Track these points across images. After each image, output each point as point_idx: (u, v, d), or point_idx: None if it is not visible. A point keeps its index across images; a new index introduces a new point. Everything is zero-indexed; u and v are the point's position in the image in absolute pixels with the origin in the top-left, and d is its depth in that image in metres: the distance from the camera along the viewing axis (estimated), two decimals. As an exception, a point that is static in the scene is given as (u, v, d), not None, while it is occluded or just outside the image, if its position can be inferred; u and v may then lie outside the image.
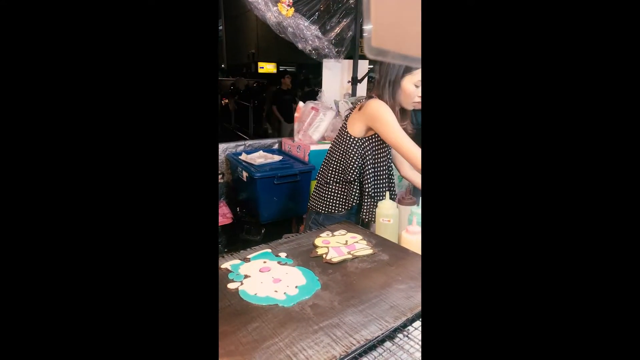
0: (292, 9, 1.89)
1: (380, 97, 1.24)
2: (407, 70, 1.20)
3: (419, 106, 1.25)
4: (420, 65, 1.20)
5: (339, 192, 1.34)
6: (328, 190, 1.36)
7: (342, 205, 1.34)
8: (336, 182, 1.34)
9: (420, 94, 1.23)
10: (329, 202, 1.35)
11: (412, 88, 1.22)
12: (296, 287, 0.75)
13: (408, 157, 1.20)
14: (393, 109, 1.22)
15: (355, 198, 1.34)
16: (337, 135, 1.36)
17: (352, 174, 1.31)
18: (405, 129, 1.23)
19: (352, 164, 1.30)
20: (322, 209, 1.35)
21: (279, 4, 1.91)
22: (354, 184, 1.33)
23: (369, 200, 1.32)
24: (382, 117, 1.20)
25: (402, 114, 1.29)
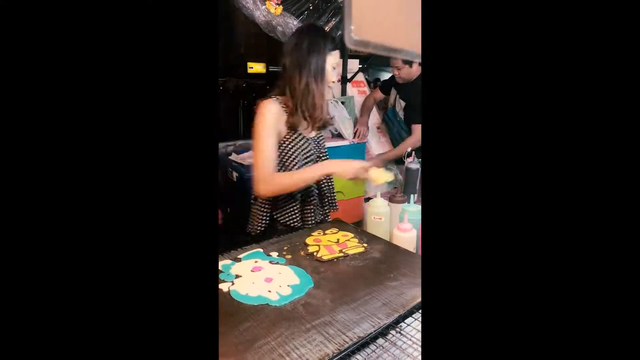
0: (281, 7, 1.88)
1: (290, 89, 1.07)
2: (330, 50, 1.08)
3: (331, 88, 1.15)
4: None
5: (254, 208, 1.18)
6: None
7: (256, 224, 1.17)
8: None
9: (332, 79, 1.10)
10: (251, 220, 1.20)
11: (330, 69, 1.09)
12: (289, 286, 0.74)
13: (255, 161, 1.06)
14: (321, 95, 1.08)
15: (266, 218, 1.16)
16: None
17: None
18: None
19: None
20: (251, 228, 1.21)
21: (267, 2, 1.90)
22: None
23: (294, 204, 1.14)
24: (257, 131, 1.06)
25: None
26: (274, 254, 0.89)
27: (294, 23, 2.18)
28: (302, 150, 1.12)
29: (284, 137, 1.10)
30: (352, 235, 1.00)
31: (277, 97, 1.10)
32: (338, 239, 0.97)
